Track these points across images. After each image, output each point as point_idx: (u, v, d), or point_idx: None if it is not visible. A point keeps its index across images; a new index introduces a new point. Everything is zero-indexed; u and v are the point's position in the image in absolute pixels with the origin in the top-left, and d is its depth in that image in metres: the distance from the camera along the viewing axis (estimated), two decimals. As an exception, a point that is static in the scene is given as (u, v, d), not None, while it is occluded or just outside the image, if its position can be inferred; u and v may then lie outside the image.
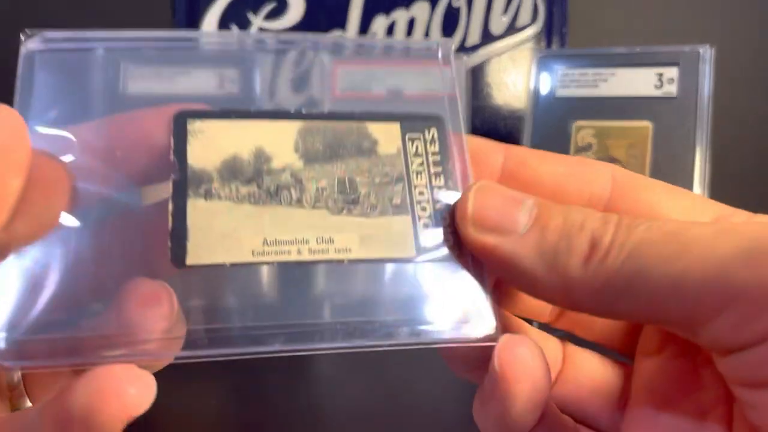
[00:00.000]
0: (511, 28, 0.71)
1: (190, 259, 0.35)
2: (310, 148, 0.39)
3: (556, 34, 0.73)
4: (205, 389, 0.59)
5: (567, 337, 0.41)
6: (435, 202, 0.39)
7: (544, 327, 0.42)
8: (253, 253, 0.36)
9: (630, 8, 0.81)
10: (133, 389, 0.30)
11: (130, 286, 0.33)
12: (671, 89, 0.63)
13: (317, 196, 0.38)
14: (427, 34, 0.59)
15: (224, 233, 0.36)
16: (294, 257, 0.36)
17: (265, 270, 0.37)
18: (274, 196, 0.37)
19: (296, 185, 0.38)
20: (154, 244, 0.36)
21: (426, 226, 0.38)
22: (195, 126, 0.38)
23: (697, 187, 0.61)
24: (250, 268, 0.36)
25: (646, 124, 0.64)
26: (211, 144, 0.38)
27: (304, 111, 0.40)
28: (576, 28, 0.75)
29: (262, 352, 0.35)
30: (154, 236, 0.36)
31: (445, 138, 0.41)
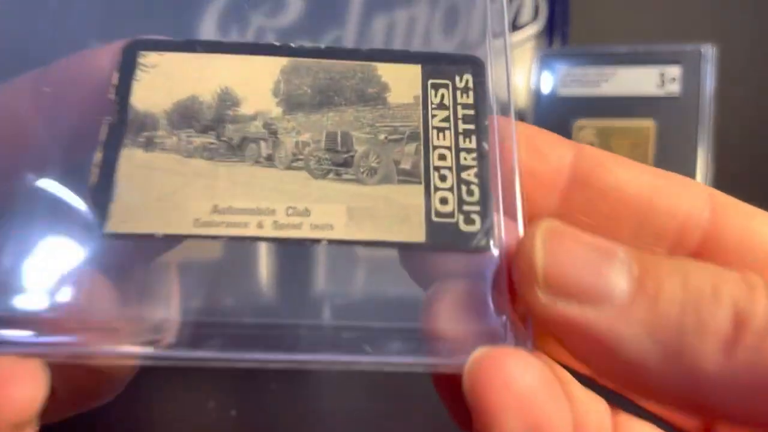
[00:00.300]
0: (513, 27, 0.70)
1: (112, 225, 0.26)
2: (293, 92, 0.29)
3: (558, 33, 0.72)
4: (202, 391, 0.51)
5: (618, 401, 0.28)
6: (461, 169, 0.28)
7: (589, 383, 0.29)
8: (195, 223, 0.26)
9: (632, 7, 0.80)
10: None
11: None
12: (674, 88, 0.63)
13: (295, 152, 0.28)
14: (427, 34, 0.49)
15: (162, 195, 0.26)
16: (251, 232, 0.26)
17: (211, 246, 0.27)
18: (236, 150, 0.28)
19: (269, 138, 0.28)
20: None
21: (444, 201, 0.27)
22: (148, 59, 0.29)
23: (700, 185, 0.59)
24: (190, 242, 0.26)
25: (649, 124, 0.63)
26: (166, 82, 0.29)
27: (293, 45, 0.30)
28: (578, 27, 0.75)
29: (193, 358, 0.25)
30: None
31: (482, 88, 0.30)
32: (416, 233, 0.27)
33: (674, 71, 0.63)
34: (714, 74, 0.63)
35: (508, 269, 0.26)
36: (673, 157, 0.63)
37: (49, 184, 0.27)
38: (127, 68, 0.29)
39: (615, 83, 0.64)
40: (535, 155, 0.29)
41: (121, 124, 0.28)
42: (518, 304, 0.26)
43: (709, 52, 0.63)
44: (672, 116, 0.63)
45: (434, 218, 0.27)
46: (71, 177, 0.27)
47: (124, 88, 0.28)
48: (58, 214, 0.26)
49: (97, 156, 0.27)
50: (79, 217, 0.26)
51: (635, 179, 0.29)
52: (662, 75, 0.63)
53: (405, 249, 0.27)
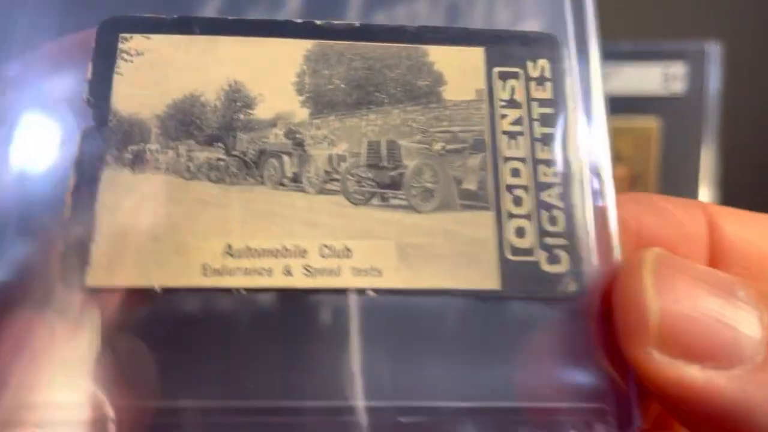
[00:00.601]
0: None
1: (94, 275, 0.20)
2: (322, 87, 0.22)
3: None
4: None
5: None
6: (540, 189, 0.22)
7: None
8: (205, 271, 0.20)
9: (635, 3, 0.75)
10: None
11: None
12: (678, 86, 0.62)
13: (329, 170, 0.21)
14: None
15: (159, 232, 0.20)
16: (276, 281, 0.20)
17: (226, 302, 0.21)
18: (252, 168, 0.21)
19: (294, 152, 0.22)
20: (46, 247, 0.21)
21: (520, 232, 0.21)
22: (132, 43, 0.22)
23: (705, 186, 0.59)
24: (200, 297, 0.20)
25: (653, 123, 0.62)
26: (156, 75, 0.22)
27: (318, 22, 0.23)
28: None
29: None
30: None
31: (561, 77, 0.23)
32: (487, 278, 0.21)
33: (678, 69, 0.62)
34: (719, 72, 0.61)
35: (604, 313, 0.21)
36: (677, 156, 0.61)
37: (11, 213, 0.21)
38: (105, 57, 0.22)
39: (618, 81, 0.62)
40: (669, 221, 0.23)
41: (99, 134, 0.21)
42: (617, 358, 0.20)
43: (714, 50, 0.62)
44: (676, 115, 0.62)
45: (509, 256, 0.21)
46: (39, 206, 0.21)
47: (101, 85, 0.22)
48: (21, 260, 0.20)
49: (71, 179, 0.20)
50: (49, 263, 0.20)
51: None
52: (666, 73, 0.62)
53: (472, 298, 0.21)
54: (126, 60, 0.22)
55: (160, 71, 0.22)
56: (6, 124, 0.22)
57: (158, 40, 0.22)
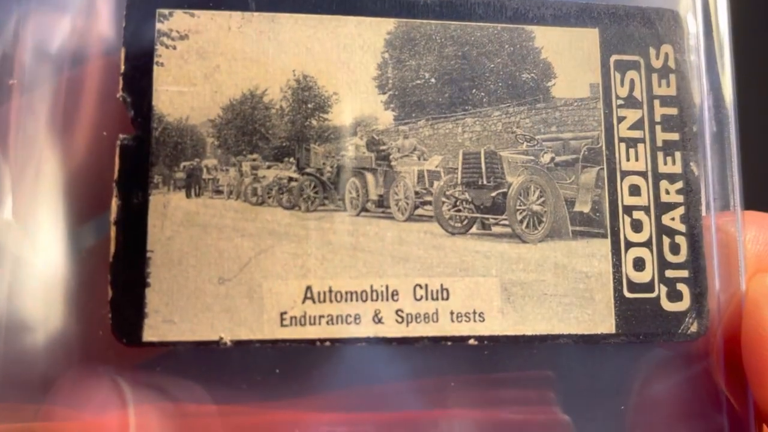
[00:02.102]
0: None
1: (152, 330, 0.17)
2: (409, 82, 0.18)
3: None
4: None
5: None
6: (662, 210, 0.19)
7: None
8: (282, 319, 0.17)
9: None
10: None
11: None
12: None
13: (419, 191, 0.18)
14: None
15: (225, 272, 0.17)
16: (365, 330, 0.17)
17: (307, 355, 0.18)
18: (330, 190, 0.18)
19: (378, 167, 0.18)
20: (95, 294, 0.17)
21: (639, 264, 0.18)
22: (173, 23, 0.18)
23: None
24: (277, 351, 0.17)
25: None
26: (205, 65, 0.18)
27: (401, -4, 0.19)
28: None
29: None
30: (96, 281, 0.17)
31: (687, 69, 0.19)
32: (602, 320, 0.18)
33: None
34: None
35: (729, 354, 0.18)
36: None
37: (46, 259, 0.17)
38: (140, 41, 0.18)
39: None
40: None
41: (142, 146, 0.17)
42: (743, 405, 0.18)
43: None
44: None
45: (627, 293, 0.18)
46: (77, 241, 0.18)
47: (138, 78, 0.18)
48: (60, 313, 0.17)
49: (114, 205, 0.17)
50: (93, 315, 0.17)
51: None
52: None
53: (586, 343, 0.18)
54: (167, 46, 0.18)
55: (211, 61, 0.18)
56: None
57: (205, 18, 0.18)
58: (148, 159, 0.17)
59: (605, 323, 0.18)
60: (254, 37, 0.18)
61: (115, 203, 0.17)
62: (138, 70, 0.17)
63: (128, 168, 0.17)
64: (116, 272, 0.17)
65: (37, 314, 0.17)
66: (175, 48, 0.18)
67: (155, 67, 0.18)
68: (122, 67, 0.17)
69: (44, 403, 0.16)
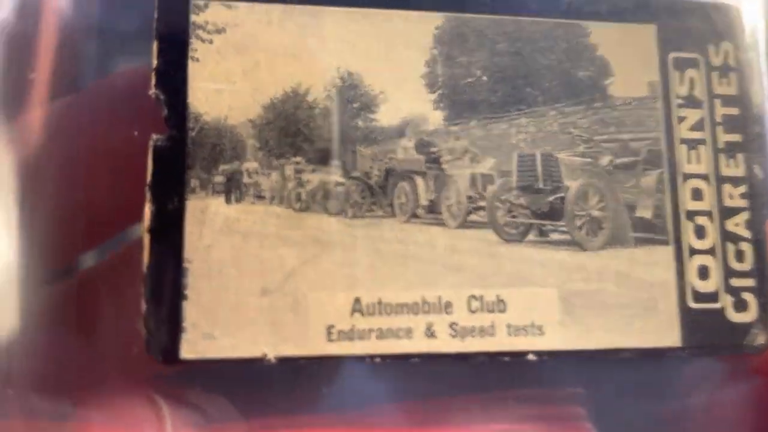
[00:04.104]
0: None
1: (190, 346, 0.15)
2: (460, 80, 0.17)
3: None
4: None
5: None
6: (726, 215, 0.18)
7: None
8: (329, 333, 0.16)
9: None
10: None
11: None
12: None
13: (472, 195, 0.17)
14: None
15: (269, 283, 0.16)
16: (419, 345, 0.16)
17: (354, 369, 0.17)
18: (378, 195, 0.17)
19: (428, 171, 0.17)
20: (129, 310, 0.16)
21: (703, 273, 0.17)
22: (209, 15, 0.17)
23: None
24: (324, 366, 0.16)
25: None
26: (244, 61, 0.17)
27: (451, -12, 0.18)
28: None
29: None
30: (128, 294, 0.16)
31: (749, 67, 0.18)
32: (667, 332, 0.17)
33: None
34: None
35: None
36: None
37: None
38: (174, 33, 0.16)
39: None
40: None
41: (178, 147, 0.16)
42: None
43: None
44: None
45: (691, 304, 0.17)
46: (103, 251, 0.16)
47: (172, 74, 0.16)
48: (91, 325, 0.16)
49: (147, 212, 0.16)
50: (125, 330, 0.16)
51: None
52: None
53: (650, 357, 0.17)
54: (203, 39, 0.16)
55: (250, 56, 0.17)
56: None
57: (243, 10, 0.17)
58: (184, 161, 0.16)
59: (670, 335, 0.17)
60: (296, 32, 0.17)
61: (148, 209, 0.16)
62: (172, 65, 0.16)
63: (162, 171, 0.16)
64: (150, 284, 0.15)
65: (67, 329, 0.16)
66: (211, 42, 0.16)
67: (190, 63, 0.16)
68: (154, 62, 0.16)
69: (76, 421, 0.15)
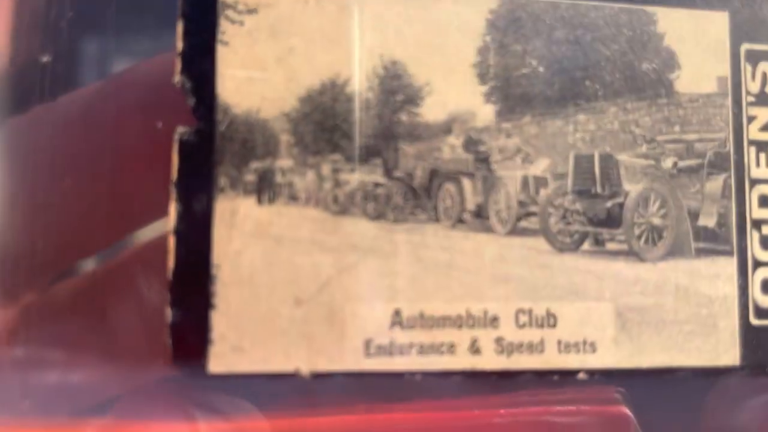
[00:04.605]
0: None
1: (219, 360, 0.14)
2: (513, 71, 0.16)
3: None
4: None
5: None
6: (794, 225, 0.16)
7: None
8: (367, 348, 0.15)
9: None
10: None
11: None
12: None
13: (524, 200, 0.16)
14: None
15: (302, 292, 0.15)
16: (462, 362, 0.15)
17: (396, 389, 0.16)
18: (422, 198, 0.15)
19: (476, 172, 0.16)
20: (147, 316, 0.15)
21: (767, 288, 0.16)
22: (239, -7, 0.15)
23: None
24: (361, 383, 0.15)
25: None
26: (278, 46, 0.15)
27: (506, -33, 0.16)
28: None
29: None
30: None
31: (827, 55, 0.17)
32: (725, 350, 0.16)
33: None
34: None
35: None
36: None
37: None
38: (201, 14, 0.15)
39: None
40: None
41: (206, 142, 0.15)
42: None
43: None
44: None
45: (753, 320, 0.16)
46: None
47: (199, 60, 0.15)
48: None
49: (172, 212, 0.14)
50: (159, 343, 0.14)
51: None
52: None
53: (705, 376, 0.16)
54: (233, 21, 0.15)
55: (284, 41, 0.15)
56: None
57: (277, -11, 0.15)
58: (212, 157, 0.15)
59: (729, 354, 0.16)
60: (335, 15, 0.15)
61: (174, 209, 0.14)
62: (199, 49, 0.15)
63: (189, 168, 0.14)
64: (177, 291, 0.14)
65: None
66: (242, 24, 0.15)
67: (219, 46, 0.15)
68: (180, 45, 0.15)
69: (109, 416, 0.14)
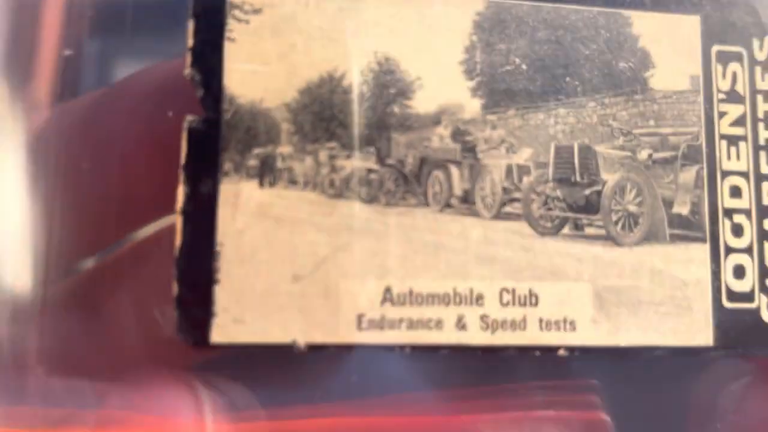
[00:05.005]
0: None
1: (221, 331, 0.15)
2: (498, 68, 0.17)
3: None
4: None
5: None
6: (764, 215, 0.17)
7: None
8: (360, 322, 0.16)
9: None
10: None
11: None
12: None
13: (508, 186, 0.17)
14: None
15: (300, 270, 0.16)
16: (449, 336, 0.16)
17: (386, 362, 0.17)
18: (412, 183, 0.16)
19: (463, 160, 0.17)
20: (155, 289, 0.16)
21: (739, 272, 0.17)
22: (245, -5, 0.16)
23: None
24: (353, 356, 0.16)
25: None
26: (280, 43, 0.16)
27: (492, -27, 0.17)
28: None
29: None
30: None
31: (793, 57, 0.18)
32: (700, 331, 0.17)
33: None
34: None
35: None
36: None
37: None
38: (210, 13, 0.16)
39: None
40: None
41: (212, 129, 0.16)
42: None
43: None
44: None
45: (726, 303, 0.17)
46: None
47: (207, 55, 0.16)
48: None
49: (180, 194, 0.16)
50: (154, 314, 0.16)
51: None
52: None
53: (680, 355, 0.17)
54: (239, 20, 0.16)
55: (286, 39, 0.16)
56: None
57: (281, -9, 0.16)
58: (218, 144, 0.16)
59: (703, 335, 0.17)
60: (333, 14, 0.17)
61: (181, 191, 0.15)
62: (208, 45, 0.16)
63: (197, 153, 0.16)
64: (182, 267, 0.15)
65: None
66: (248, 23, 0.16)
67: (226, 43, 0.16)
68: (190, 42, 0.16)
69: (106, 408, 0.15)
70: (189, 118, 0.16)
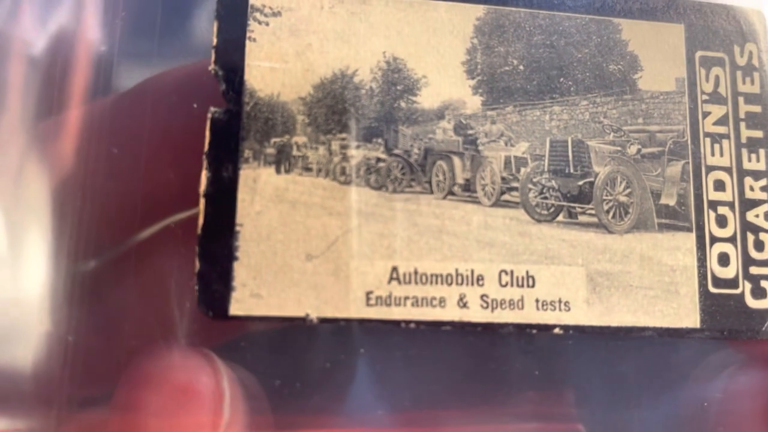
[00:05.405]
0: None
1: (239, 304, 0.16)
2: (497, 68, 0.18)
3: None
4: None
5: None
6: (746, 206, 0.19)
7: None
8: (368, 298, 0.17)
9: None
10: None
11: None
12: None
13: (506, 176, 0.18)
14: None
15: (313, 249, 0.17)
16: (452, 314, 0.17)
17: (392, 336, 0.18)
18: (417, 172, 0.18)
19: (465, 152, 0.18)
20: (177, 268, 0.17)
21: (724, 260, 0.18)
22: None
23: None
24: (362, 330, 0.17)
25: None
26: (297, 43, 0.18)
27: (492, -17, 0.19)
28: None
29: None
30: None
31: (772, 63, 0.19)
32: (687, 314, 0.18)
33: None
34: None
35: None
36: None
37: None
38: (233, 14, 0.18)
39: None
40: None
41: (234, 120, 0.17)
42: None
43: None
44: None
45: (711, 289, 0.18)
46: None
47: (230, 52, 0.18)
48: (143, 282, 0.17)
49: (203, 178, 0.17)
50: (178, 287, 0.17)
51: None
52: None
53: (669, 336, 0.18)
54: (260, 21, 0.18)
55: (303, 39, 0.18)
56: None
57: (298, -4, 0.18)
58: (239, 133, 0.17)
59: (690, 317, 0.18)
60: (346, 18, 0.18)
61: (204, 175, 0.17)
62: (230, 44, 0.17)
63: (219, 141, 0.17)
64: (204, 245, 0.16)
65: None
66: (267, 24, 0.18)
67: (247, 42, 0.18)
68: (215, 41, 0.17)
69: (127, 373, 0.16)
70: (212, 109, 0.17)
